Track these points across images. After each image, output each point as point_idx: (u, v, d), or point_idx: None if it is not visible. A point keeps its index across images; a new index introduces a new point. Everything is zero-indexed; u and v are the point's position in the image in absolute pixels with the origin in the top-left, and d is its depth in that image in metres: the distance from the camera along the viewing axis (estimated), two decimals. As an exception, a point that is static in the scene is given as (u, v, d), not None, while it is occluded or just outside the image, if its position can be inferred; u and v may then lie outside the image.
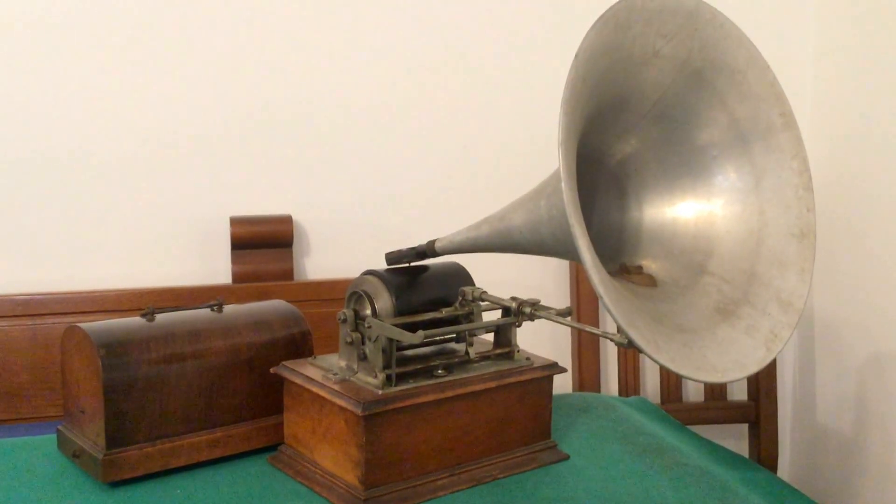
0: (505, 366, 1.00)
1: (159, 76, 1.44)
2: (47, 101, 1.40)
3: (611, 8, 0.77)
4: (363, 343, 0.95)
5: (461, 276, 1.04)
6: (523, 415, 1.01)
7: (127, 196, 1.45)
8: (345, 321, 0.97)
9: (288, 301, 1.12)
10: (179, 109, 1.45)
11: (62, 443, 1.01)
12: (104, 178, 1.43)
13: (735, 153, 0.89)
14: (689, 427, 1.33)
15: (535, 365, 1.02)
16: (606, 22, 0.76)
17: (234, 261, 1.46)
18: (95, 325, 0.97)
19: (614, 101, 0.85)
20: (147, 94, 1.44)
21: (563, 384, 1.52)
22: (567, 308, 0.95)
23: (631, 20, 0.78)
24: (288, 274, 1.48)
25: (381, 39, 1.52)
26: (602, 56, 0.76)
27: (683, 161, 0.90)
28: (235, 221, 1.45)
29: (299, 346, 1.06)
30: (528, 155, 1.58)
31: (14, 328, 1.36)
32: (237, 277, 1.46)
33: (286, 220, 1.47)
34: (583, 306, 1.58)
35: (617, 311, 0.71)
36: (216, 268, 1.48)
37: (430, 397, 0.93)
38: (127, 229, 1.45)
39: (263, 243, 1.46)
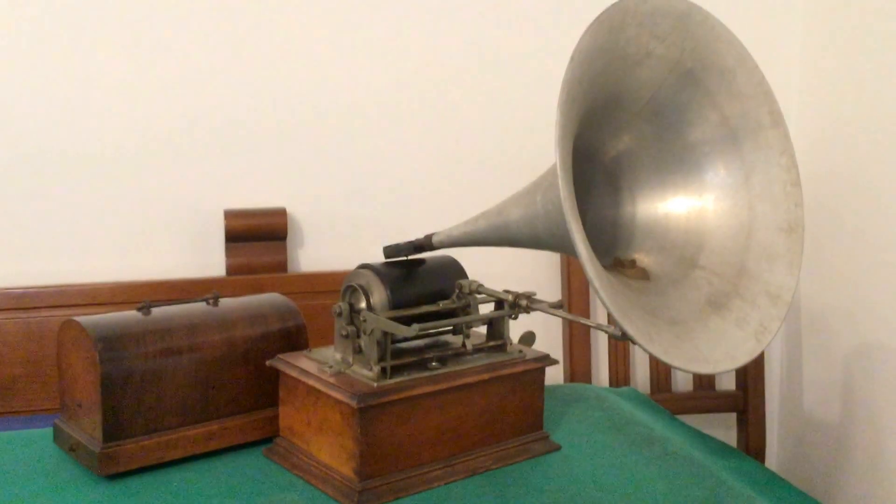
0: (498, 358, 1.01)
1: (154, 69, 1.44)
2: (41, 95, 1.40)
3: (605, 11, 0.78)
4: (358, 336, 0.95)
5: (455, 270, 1.05)
6: (516, 406, 1.02)
7: (121, 189, 1.45)
8: (340, 314, 0.97)
9: (282, 293, 1.12)
10: (174, 102, 1.45)
11: (59, 436, 1.01)
12: (98, 171, 1.43)
13: (725, 150, 0.90)
14: (678, 417, 1.35)
15: (527, 357, 1.03)
16: (601, 24, 0.77)
17: (228, 253, 1.46)
18: (92, 318, 0.97)
19: (608, 100, 0.86)
20: (141, 87, 1.44)
21: (554, 376, 1.54)
22: (559, 301, 0.97)
23: (625, 22, 0.79)
24: (282, 266, 1.48)
25: (376, 34, 1.52)
26: (597, 57, 0.78)
27: (675, 158, 0.92)
28: (230, 214, 1.45)
29: (294, 339, 1.07)
30: (524, 150, 1.59)
31: (8, 322, 1.36)
32: (231, 270, 1.46)
33: (280, 213, 1.47)
34: (574, 299, 1.59)
35: (611, 303, 0.72)
36: (210, 260, 1.48)
37: (425, 389, 0.93)
38: (121, 222, 1.45)
39: (258, 236, 1.46)
